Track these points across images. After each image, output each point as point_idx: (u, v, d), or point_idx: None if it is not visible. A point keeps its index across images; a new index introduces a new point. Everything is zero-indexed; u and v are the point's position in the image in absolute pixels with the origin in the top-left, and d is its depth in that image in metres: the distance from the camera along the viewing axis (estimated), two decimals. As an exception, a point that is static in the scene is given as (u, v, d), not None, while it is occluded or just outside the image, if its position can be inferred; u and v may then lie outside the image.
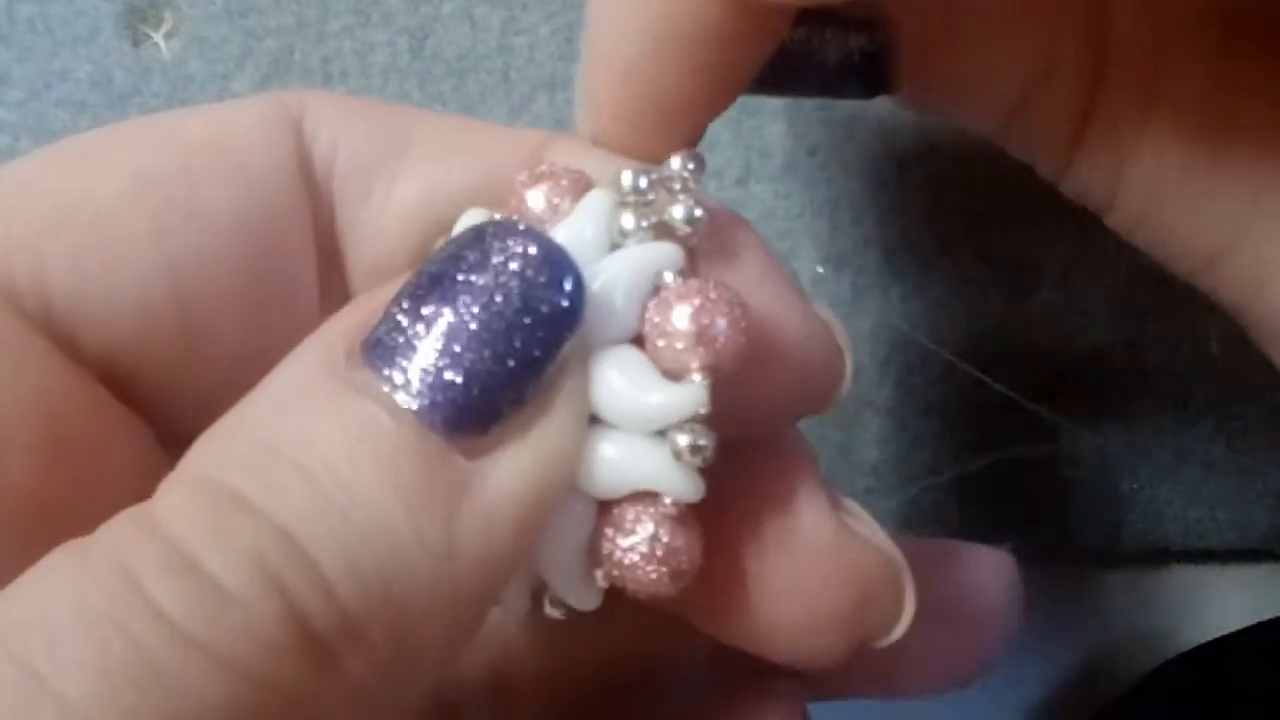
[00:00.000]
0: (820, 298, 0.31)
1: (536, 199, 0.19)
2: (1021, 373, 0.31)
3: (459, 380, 0.16)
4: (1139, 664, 0.30)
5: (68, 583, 0.15)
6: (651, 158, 0.20)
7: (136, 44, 0.31)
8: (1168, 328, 0.31)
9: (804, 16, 0.21)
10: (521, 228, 0.17)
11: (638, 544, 0.18)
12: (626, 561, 0.18)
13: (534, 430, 0.17)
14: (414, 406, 0.16)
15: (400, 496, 0.16)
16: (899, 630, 0.20)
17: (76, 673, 0.14)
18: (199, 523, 0.15)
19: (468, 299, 0.16)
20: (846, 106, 0.32)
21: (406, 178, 0.20)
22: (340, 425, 0.16)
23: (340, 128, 0.21)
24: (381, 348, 0.16)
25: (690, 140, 0.21)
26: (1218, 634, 0.29)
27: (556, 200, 0.19)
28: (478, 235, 0.17)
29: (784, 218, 0.31)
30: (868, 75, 0.22)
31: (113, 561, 0.15)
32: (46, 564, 0.15)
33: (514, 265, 0.17)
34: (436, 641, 0.16)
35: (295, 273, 0.20)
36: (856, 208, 0.31)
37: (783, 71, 0.22)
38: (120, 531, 0.16)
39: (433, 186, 0.20)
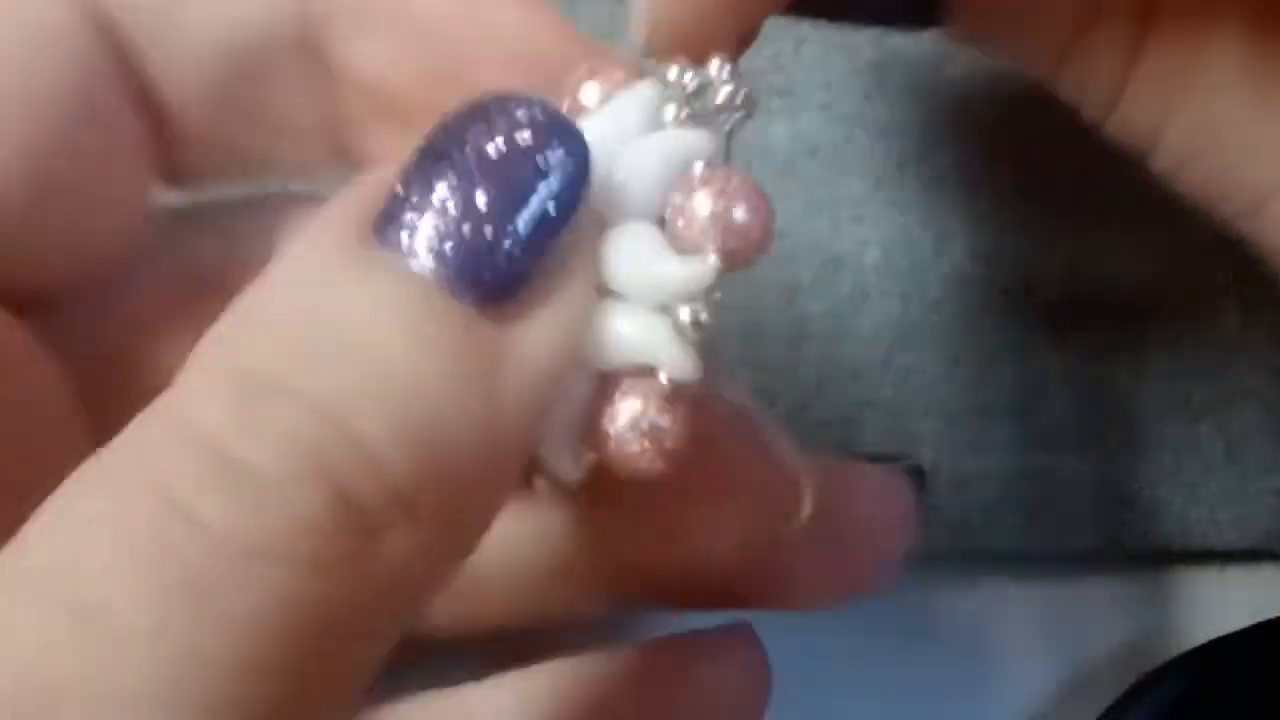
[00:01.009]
0: (821, 298, 0.31)
1: (590, 93, 0.19)
2: (1021, 372, 0.31)
3: (478, 246, 0.16)
4: (1139, 664, 0.30)
5: (102, 513, 0.14)
6: (703, 51, 0.20)
7: (136, 42, 0.31)
8: (1168, 328, 0.31)
9: None
10: (519, 95, 0.17)
11: (628, 420, 0.18)
12: (614, 434, 0.18)
13: (556, 293, 0.17)
14: (438, 275, 0.16)
15: (438, 362, 0.16)
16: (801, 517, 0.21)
17: (129, 607, 0.13)
18: (231, 414, 0.15)
19: (476, 167, 0.16)
20: (846, 105, 0.32)
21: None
22: (368, 298, 0.16)
23: None
24: (395, 223, 0.16)
25: (744, 38, 0.21)
26: (1218, 634, 0.29)
27: (611, 95, 0.19)
28: (478, 106, 0.17)
29: (784, 217, 0.31)
30: (918, 4, 0.22)
31: (146, 481, 0.14)
32: (73, 491, 0.15)
33: (519, 133, 0.17)
34: (480, 512, 0.16)
35: (116, 126, 0.20)
36: (857, 207, 0.31)
37: None
38: (147, 441, 0.15)
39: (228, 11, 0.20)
